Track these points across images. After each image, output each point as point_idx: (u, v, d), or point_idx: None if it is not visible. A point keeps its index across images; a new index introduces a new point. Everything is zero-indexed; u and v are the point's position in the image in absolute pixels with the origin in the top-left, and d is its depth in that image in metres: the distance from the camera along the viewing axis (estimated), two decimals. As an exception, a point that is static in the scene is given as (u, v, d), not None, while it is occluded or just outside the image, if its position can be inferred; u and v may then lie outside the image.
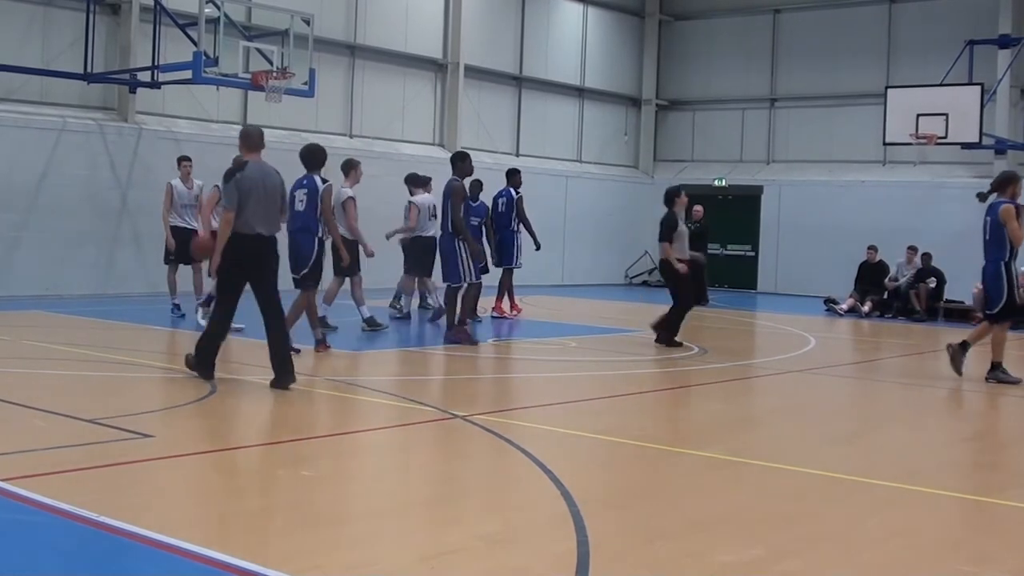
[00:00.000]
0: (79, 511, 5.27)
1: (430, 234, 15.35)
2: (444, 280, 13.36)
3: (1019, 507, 6.37)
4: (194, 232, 15.02)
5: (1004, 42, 22.68)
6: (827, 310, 20.80)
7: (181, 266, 15.03)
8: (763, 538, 5.46)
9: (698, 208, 22.68)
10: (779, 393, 11.02)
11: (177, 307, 15.09)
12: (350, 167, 13.80)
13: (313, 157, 11.81)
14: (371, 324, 13.87)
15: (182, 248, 14.83)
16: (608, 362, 12.56)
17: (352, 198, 13.62)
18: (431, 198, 15.81)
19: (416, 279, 16.22)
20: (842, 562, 5.16)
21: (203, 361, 9.49)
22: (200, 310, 13.45)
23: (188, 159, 15.34)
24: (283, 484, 6.30)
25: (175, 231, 14.99)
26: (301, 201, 11.79)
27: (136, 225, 18.60)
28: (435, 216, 15.41)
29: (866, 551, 5.31)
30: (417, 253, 15.83)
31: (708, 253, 22.80)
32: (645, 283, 28.24)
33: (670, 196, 14.26)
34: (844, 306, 20.54)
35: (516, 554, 5.09)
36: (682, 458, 7.43)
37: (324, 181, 11.92)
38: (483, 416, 8.38)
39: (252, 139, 9.59)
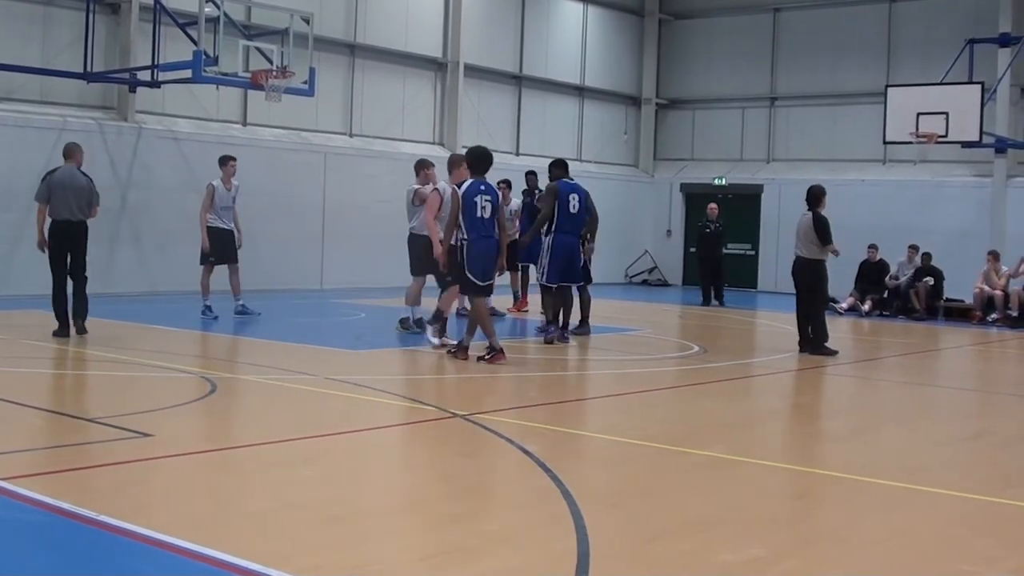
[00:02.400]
0: (79, 510, 5.27)
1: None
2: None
3: (1019, 506, 6.37)
4: (231, 233, 15.08)
5: (1004, 41, 22.67)
6: (827, 309, 20.78)
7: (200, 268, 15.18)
8: (763, 537, 5.46)
9: (713, 206, 22.60)
10: (779, 392, 11.02)
11: (209, 308, 14.98)
12: (422, 167, 14.18)
13: (485, 161, 11.57)
14: (409, 325, 13.89)
15: (221, 249, 15.01)
16: (608, 361, 12.56)
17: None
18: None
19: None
20: (842, 561, 5.16)
21: (59, 320, 12.34)
22: (429, 328, 12.78)
23: (234, 159, 15.35)
24: (283, 483, 6.29)
25: (215, 232, 15.04)
26: (484, 208, 11.32)
27: (136, 224, 18.62)
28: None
29: (866, 550, 5.31)
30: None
31: (725, 253, 22.83)
32: (645, 282, 28.23)
33: (817, 196, 13.56)
34: (844, 305, 20.54)
35: (516, 553, 5.09)
36: (682, 457, 7.43)
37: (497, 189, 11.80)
38: (483, 415, 8.38)
39: (67, 151, 12.61)
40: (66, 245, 12.36)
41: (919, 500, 6.47)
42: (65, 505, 5.35)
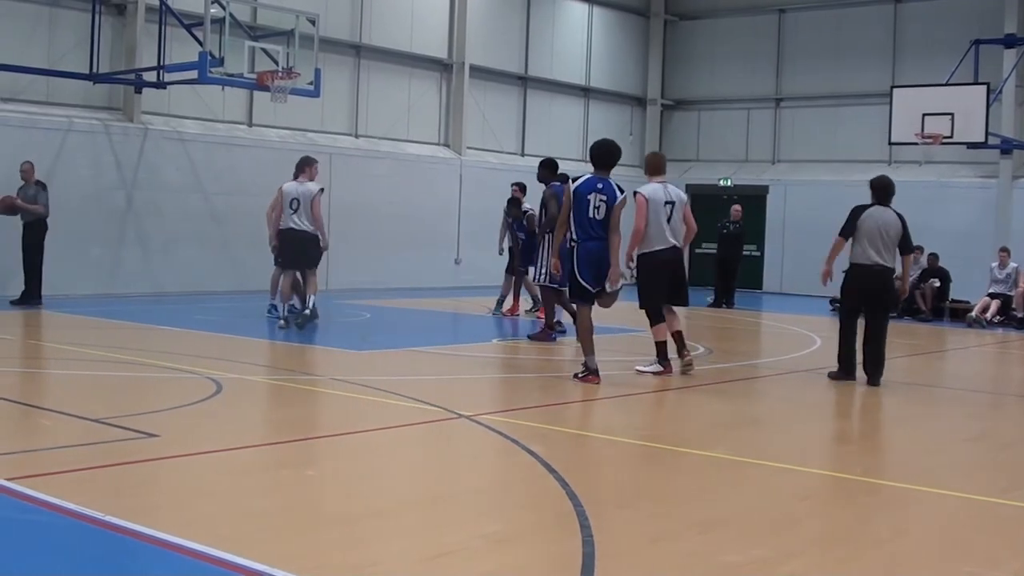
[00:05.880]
0: (85, 511, 5.28)
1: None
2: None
3: (1022, 507, 6.37)
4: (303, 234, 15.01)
5: (1010, 42, 22.66)
6: (832, 310, 20.75)
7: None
8: (768, 538, 5.46)
9: (736, 208, 22.55)
10: (784, 393, 11.00)
11: (275, 307, 15.08)
12: (306, 164, 14.36)
13: (609, 156, 10.50)
14: (309, 317, 13.98)
15: (291, 251, 14.76)
16: (612, 362, 12.54)
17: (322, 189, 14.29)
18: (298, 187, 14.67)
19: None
20: (846, 562, 5.16)
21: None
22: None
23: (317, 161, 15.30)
24: (287, 484, 6.30)
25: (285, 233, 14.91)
26: (598, 208, 10.24)
27: (141, 225, 18.64)
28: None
29: (870, 551, 5.31)
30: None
31: (743, 255, 22.88)
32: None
33: (889, 189, 11.60)
34: (849, 306, 20.49)
35: (521, 554, 5.10)
36: (687, 458, 7.43)
37: (621, 190, 10.46)
38: (488, 416, 8.39)
39: (24, 172, 16.06)
40: (24, 238, 15.97)
41: (923, 501, 6.46)
42: (71, 506, 5.36)
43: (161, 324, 14.18)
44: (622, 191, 10.48)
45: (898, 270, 11.24)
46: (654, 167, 11.57)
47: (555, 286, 13.39)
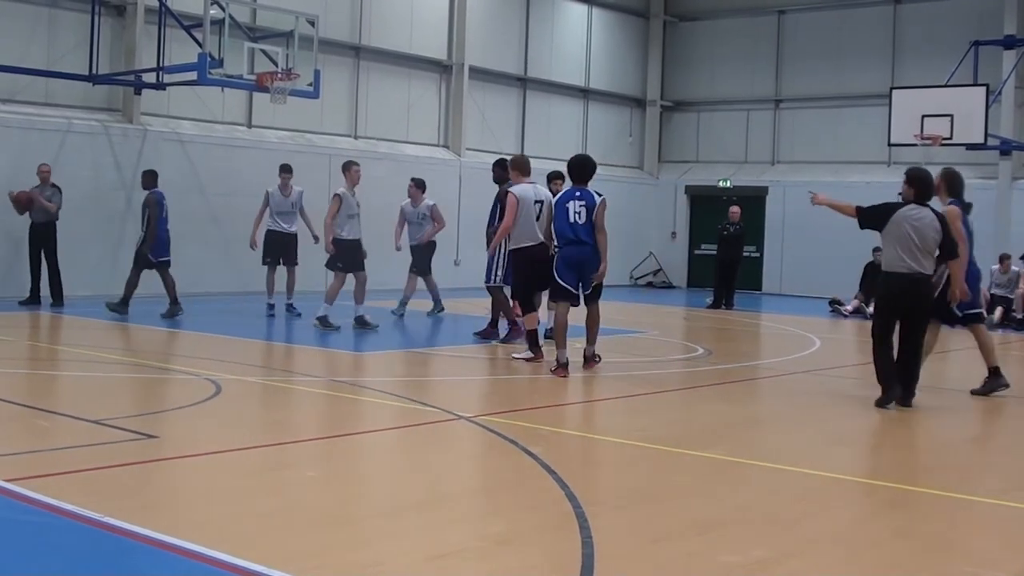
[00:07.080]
0: (83, 512, 5.28)
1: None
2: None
3: (1021, 508, 6.37)
4: (293, 236, 15.79)
5: (1009, 43, 22.68)
6: (832, 311, 20.79)
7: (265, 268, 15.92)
8: (767, 539, 5.46)
9: (735, 209, 22.58)
10: (783, 394, 11.01)
11: (271, 307, 15.68)
12: (345, 169, 14.64)
13: (583, 169, 11.48)
14: (361, 323, 13.99)
15: (279, 250, 15.71)
16: (612, 363, 12.55)
17: (338, 195, 14.30)
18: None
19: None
20: (845, 563, 5.16)
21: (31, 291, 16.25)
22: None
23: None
24: (288, 485, 6.30)
25: (272, 234, 15.72)
26: (579, 212, 11.09)
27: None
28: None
29: (869, 552, 5.31)
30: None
31: (744, 256, 22.91)
32: (650, 284, 28.22)
33: (928, 182, 10.15)
34: (849, 307, 20.51)
35: (521, 555, 5.10)
36: (686, 459, 7.43)
37: (599, 195, 11.32)
38: (488, 417, 8.39)
39: (42, 173, 16.24)
40: (39, 241, 16.24)
41: (921, 502, 6.47)
42: (70, 507, 5.36)
43: (161, 325, 14.17)
44: (600, 195, 11.27)
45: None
46: (522, 168, 12.28)
47: (505, 286, 13.70)
